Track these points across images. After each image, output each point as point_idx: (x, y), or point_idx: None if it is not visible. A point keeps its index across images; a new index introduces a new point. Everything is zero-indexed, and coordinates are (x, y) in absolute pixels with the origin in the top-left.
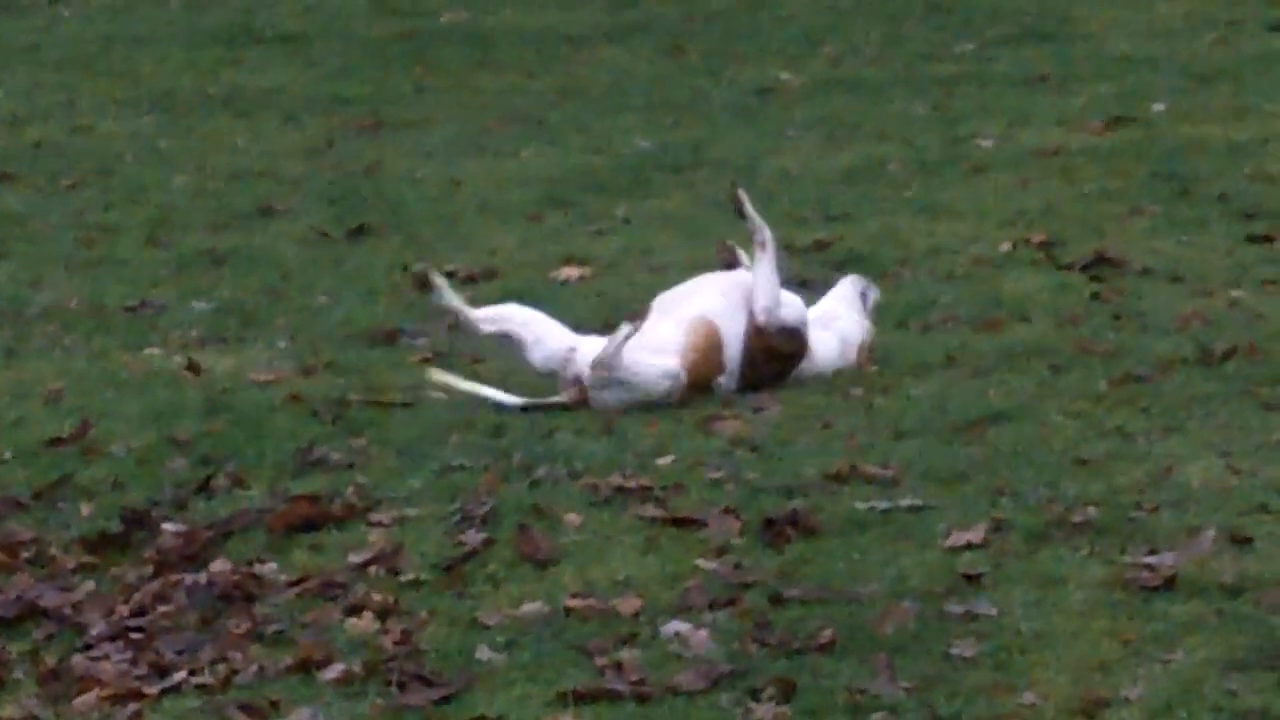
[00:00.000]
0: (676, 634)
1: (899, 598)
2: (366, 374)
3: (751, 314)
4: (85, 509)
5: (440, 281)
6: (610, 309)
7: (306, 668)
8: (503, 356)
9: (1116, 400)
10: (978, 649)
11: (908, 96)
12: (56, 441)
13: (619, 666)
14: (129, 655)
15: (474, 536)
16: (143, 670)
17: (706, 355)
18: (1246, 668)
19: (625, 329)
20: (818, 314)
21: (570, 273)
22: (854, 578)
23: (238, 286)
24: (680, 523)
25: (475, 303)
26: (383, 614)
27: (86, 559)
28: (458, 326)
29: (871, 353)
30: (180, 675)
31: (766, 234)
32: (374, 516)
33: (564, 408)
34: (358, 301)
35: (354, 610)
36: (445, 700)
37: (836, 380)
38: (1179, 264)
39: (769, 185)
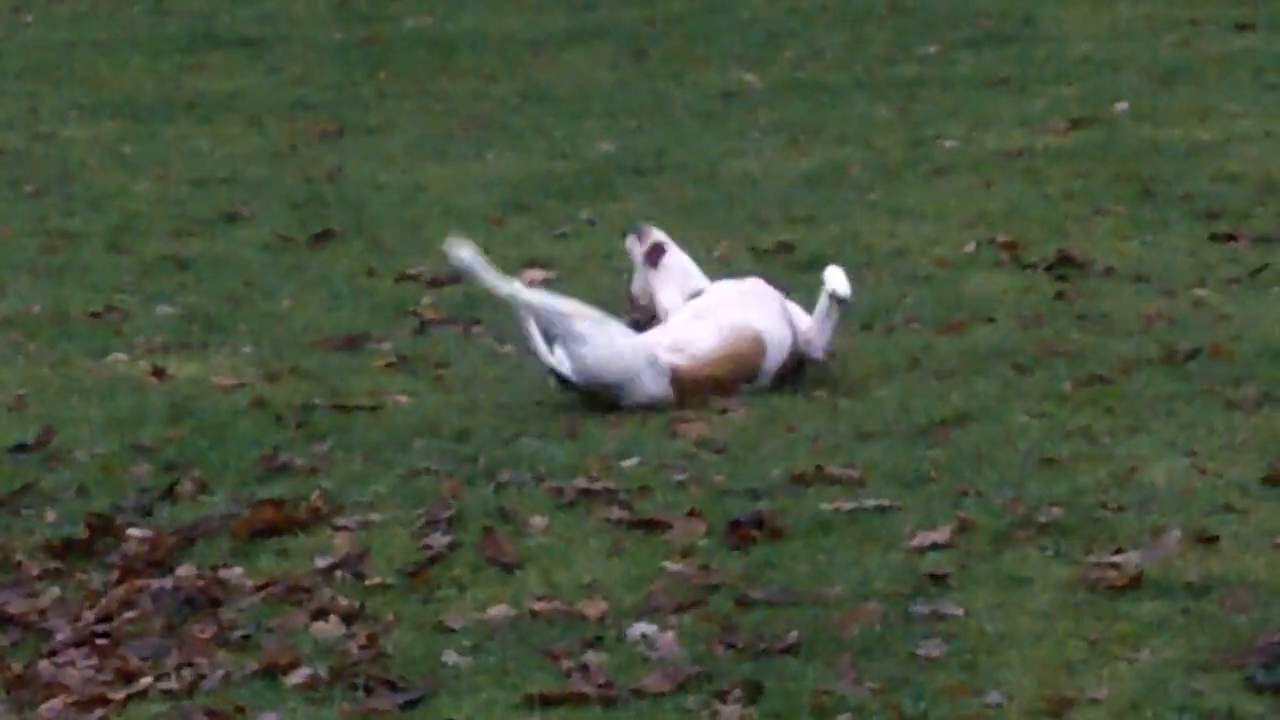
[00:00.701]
0: (642, 636)
1: (864, 599)
2: (330, 379)
3: (802, 338)
4: (50, 515)
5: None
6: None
7: (272, 672)
8: (465, 360)
9: (1081, 401)
10: (943, 650)
11: (870, 99)
12: (20, 448)
13: (585, 669)
14: (94, 661)
15: (439, 540)
16: (108, 676)
17: (742, 361)
18: (1212, 668)
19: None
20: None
21: (534, 276)
22: (819, 579)
23: (201, 292)
24: (645, 525)
25: (438, 307)
26: (348, 618)
27: (51, 565)
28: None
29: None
30: (146, 681)
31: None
32: (339, 521)
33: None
34: (321, 307)
35: (320, 615)
36: (411, 704)
37: (800, 382)
38: (1142, 264)
39: (731, 188)
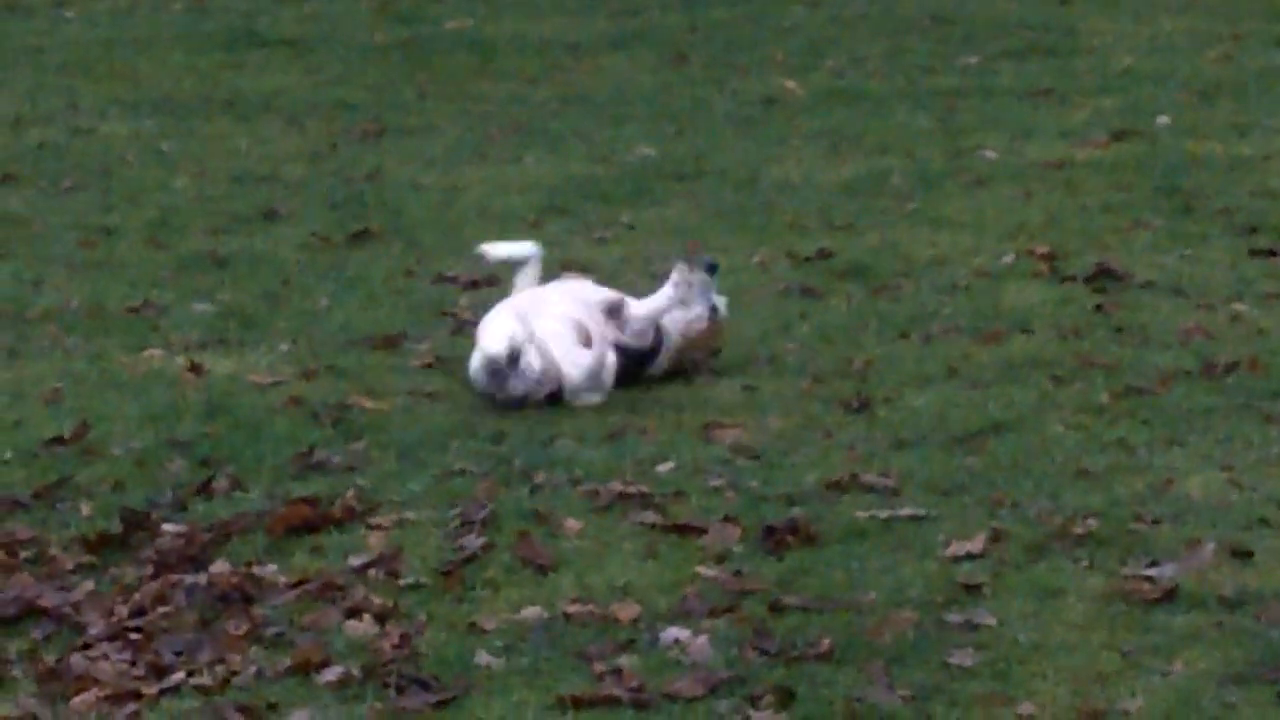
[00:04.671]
0: (675, 641)
1: (898, 607)
2: (366, 378)
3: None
4: (85, 509)
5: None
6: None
7: (305, 670)
8: None
9: (1117, 413)
10: (976, 659)
11: (911, 109)
12: (56, 442)
13: (618, 673)
14: (127, 655)
15: (473, 541)
16: (141, 671)
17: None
18: (1245, 681)
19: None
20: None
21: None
22: (853, 586)
23: (238, 290)
24: (680, 530)
25: (475, 309)
26: (381, 617)
27: (86, 559)
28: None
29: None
30: (178, 676)
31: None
32: (373, 520)
33: None
34: (358, 306)
35: (353, 613)
36: (443, 704)
37: (836, 389)
38: (1181, 277)
39: (771, 195)
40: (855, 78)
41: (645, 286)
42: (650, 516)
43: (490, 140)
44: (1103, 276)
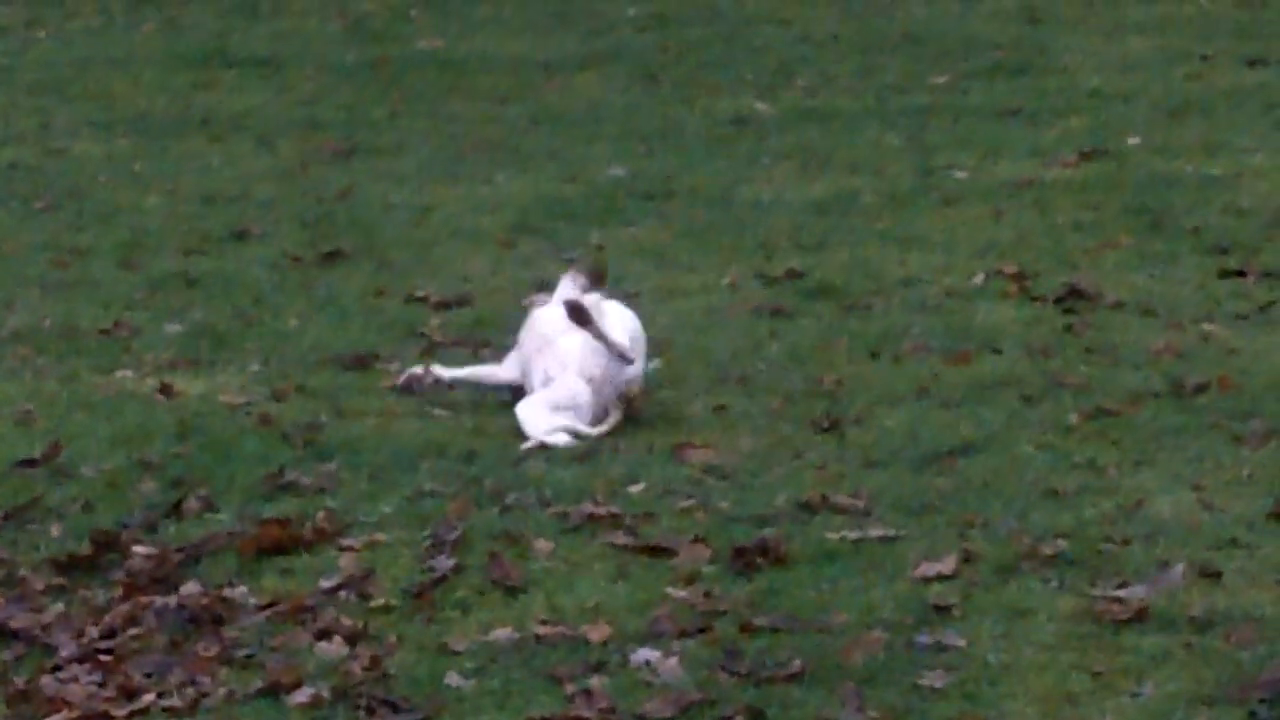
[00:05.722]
0: (646, 662)
1: (868, 628)
2: (338, 398)
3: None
4: (55, 530)
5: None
6: None
7: (275, 691)
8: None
9: (1087, 433)
10: (947, 680)
11: (881, 128)
12: (27, 463)
13: (588, 694)
14: (98, 677)
15: (444, 562)
16: (111, 692)
17: None
18: (1215, 702)
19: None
20: None
21: (543, 300)
22: (823, 607)
23: (210, 310)
24: (650, 550)
25: (446, 328)
26: (352, 639)
27: (56, 580)
28: None
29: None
30: (149, 698)
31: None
32: (344, 541)
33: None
34: (330, 326)
35: (323, 634)
36: None
37: (806, 409)
38: (1151, 297)
39: (742, 215)
40: (825, 97)
41: None
42: (621, 537)
43: (461, 159)
44: (1073, 296)
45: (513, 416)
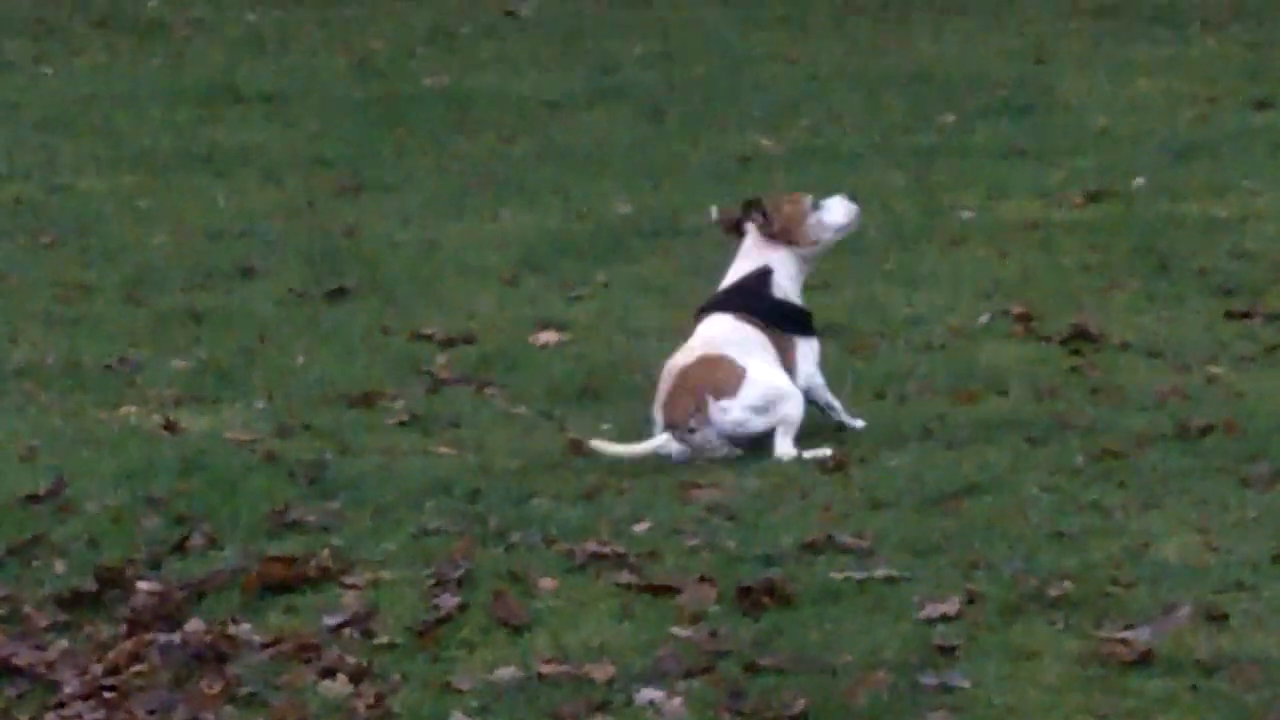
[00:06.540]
0: (650, 701)
1: (873, 668)
2: (343, 435)
3: None
4: (59, 567)
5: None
6: (586, 374)
7: None
8: (477, 420)
9: (1093, 474)
10: None
11: (887, 166)
12: (31, 499)
13: None
14: (102, 714)
15: (449, 600)
16: None
17: None
18: None
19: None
20: None
21: (548, 337)
22: (828, 647)
23: (215, 346)
24: (655, 589)
25: (451, 366)
26: (356, 677)
27: (60, 617)
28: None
29: None
30: None
31: None
32: (348, 579)
33: None
34: (335, 363)
35: (328, 672)
36: None
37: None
38: (1157, 339)
39: None
40: (831, 135)
41: (620, 345)
42: (626, 576)
43: (467, 196)
44: (1079, 337)
45: (518, 456)
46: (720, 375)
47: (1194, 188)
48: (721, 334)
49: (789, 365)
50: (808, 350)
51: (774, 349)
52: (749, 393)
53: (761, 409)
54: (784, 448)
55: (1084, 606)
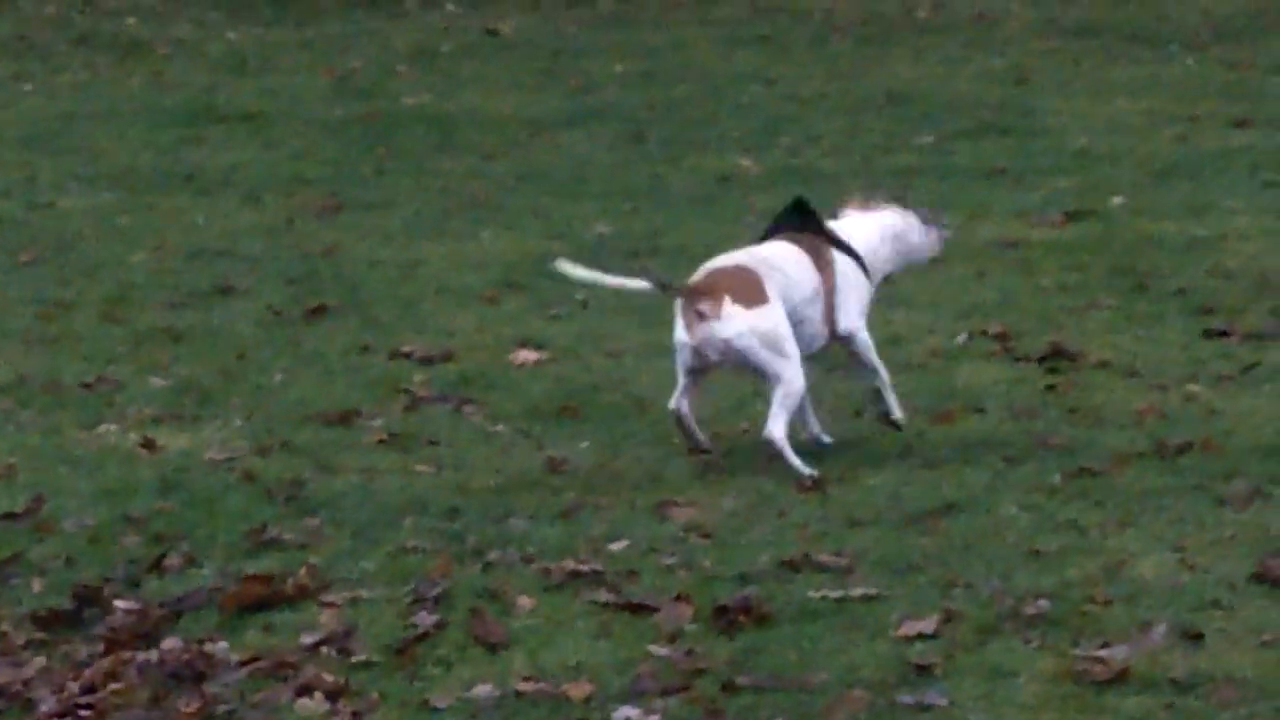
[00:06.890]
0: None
1: (850, 687)
2: (321, 454)
3: None
4: (37, 585)
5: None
6: (565, 393)
7: None
8: (456, 439)
9: (1070, 493)
10: None
11: (866, 187)
12: (9, 517)
13: None
14: None
15: (426, 619)
16: None
17: None
18: None
19: None
20: None
21: (527, 356)
22: (806, 666)
23: (194, 365)
24: (633, 608)
25: (430, 385)
26: (333, 695)
27: (37, 635)
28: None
29: None
30: None
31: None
32: (326, 597)
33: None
34: (314, 382)
35: (305, 691)
36: None
37: (789, 468)
38: (1135, 358)
39: None
40: (810, 156)
41: (599, 365)
42: (603, 595)
43: (448, 216)
44: (1056, 356)
45: (496, 474)
46: (746, 288)
47: (1173, 207)
48: (775, 256)
49: (829, 299)
50: (853, 292)
51: (822, 284)
52: (761, 315)
53: (765, 339)
54: (776, 427)
55: (1061, 625)
